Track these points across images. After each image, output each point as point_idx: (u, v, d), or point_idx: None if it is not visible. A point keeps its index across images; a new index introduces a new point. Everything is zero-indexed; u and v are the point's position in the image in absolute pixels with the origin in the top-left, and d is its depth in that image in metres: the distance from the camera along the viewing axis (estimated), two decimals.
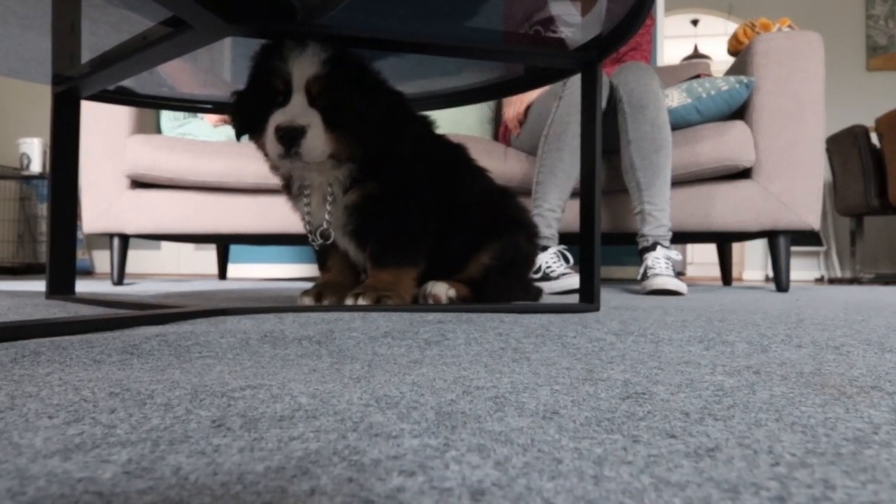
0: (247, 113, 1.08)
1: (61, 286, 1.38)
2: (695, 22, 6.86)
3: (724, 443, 0.33)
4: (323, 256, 1.22)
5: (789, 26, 2.32)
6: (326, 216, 1.11)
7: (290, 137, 0.99)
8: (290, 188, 1.16)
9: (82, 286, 1.92)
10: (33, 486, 0.26)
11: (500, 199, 1.30)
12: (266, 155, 1.08)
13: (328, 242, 1.13)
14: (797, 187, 2.12)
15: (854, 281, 4.50)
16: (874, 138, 4.10)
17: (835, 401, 0.44)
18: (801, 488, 0.27)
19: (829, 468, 0.30)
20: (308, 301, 1.14)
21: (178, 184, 2.33)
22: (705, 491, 0.26)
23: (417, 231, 1.14)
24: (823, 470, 0.29)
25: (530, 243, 1.33)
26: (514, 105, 2.30)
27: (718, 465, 0.30)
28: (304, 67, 1.01)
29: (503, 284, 1.23)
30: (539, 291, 1.41)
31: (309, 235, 1.15)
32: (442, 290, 1.16)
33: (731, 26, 6.09)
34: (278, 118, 1.00)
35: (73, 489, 0.26)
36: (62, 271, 1.39)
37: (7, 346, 0.63)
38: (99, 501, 0.25)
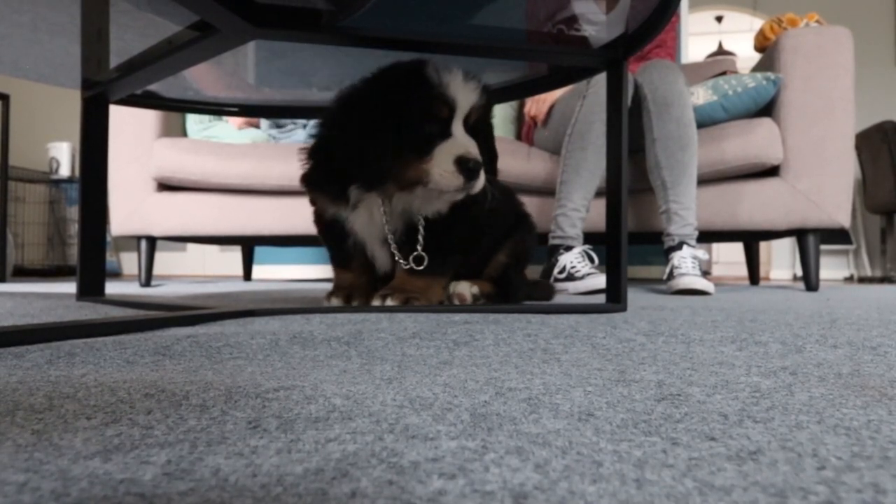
0: (400, 136, 1.01)
1: (91, 288, 1.40)
2: (719, 18, 6.79)
3: (766, 446, 0.33)
4: (344, 257, 1.21)
5: (817, 21, 2.28)
6: (386, 228, 1.10)
7: (475, 171, 0.98)
8: (330, 197, 1.13)
9: (111, 288, 1.95)
10: (76, 487, 0.26)
11: (511, 199, 1.34)
12: (396, 175, 1.03)
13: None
14: (826, 185, 2.09)
15: (885, 280, 4.41)
16: None
17: (876, 402, 0.43)
18: (850, 493, 0.26)
19: (877, 472, 0.29)
20: (337, 302, 1.14)
21: (204, 186, 2.35)
22: (752, 495, 0.26)
23: (474, 250, 1.19)
24: (872, 474, 0.29)
25: (531, 236, 1.37)
26: (537, 103, 2.29)
27: (763, 469, 0.29)
28: (467, 95, 1.01)
29: (515, 278, 1.29)
30: (550, 288, 1.47)
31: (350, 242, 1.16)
32: (465, 288, 1.19)
33: (757, 22, 6.02)
34: (457, 149, 0.98)
35: (116, 490, 0.26)
36: (92, 273, 1.41)
37: (42, 347, 0.64)
38: (141, 503, 0.25)
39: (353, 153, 1.02)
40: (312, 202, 1.19)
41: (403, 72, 1.02)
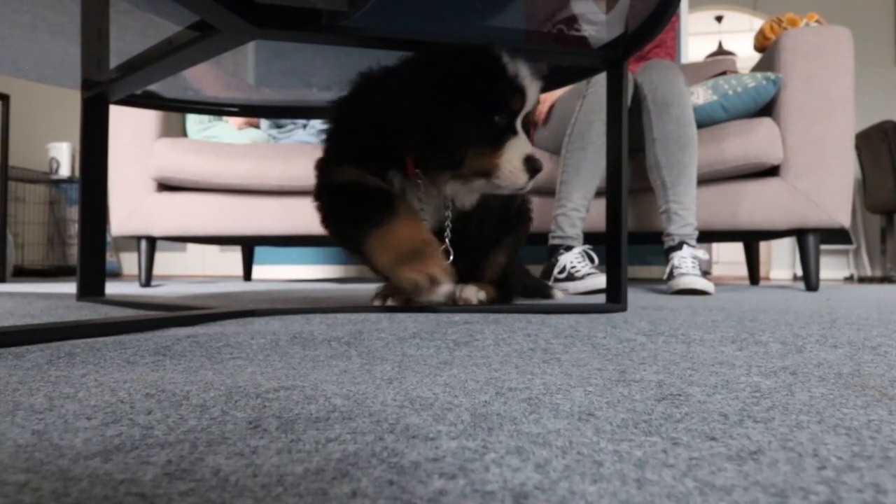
0: (476, 127, 0.97)
1: (92, 288, 1.40)
2: (719, 18, 6.79)
3: (766, 445, 0.33)
4: None
5: (817, 21, 2.28)
6: (448, 224, 1.07)
7: (537, 172, 0.98)
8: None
9: (111, 288, 1.95)
10: (77, 487, 0.26)
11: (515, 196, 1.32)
12: (466, 164, 0.98)
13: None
14: (826, 185, 2.09)
15: (885, 279, 4.41)
16: None
17: (877, 402, 0.43)
18: (850, 493, 0.26)
19: (878, 472, 0.29)
20: (379, 303, 1.13)
21: (204, 186, 2.36)
22: (752, 495, 0.26)
23: (485, 247, 1.20)
24: (873, 474, 0.29)
25: (527, 226, 1.35)
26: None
27: (763, 469, 0.29)
28: (534, 90, 0.99)
29: (513, 275, 1.29)
30: (545, 285, 1.46)
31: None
32: (472, 293, 1.18)
33: (757, 22, 6.02)
34: (525, 147, 0.98)
35: (116, 490, 0.26)
36: (92, 273, 1.41)
37: (42, 347, 0.64)
38: (142, 503, 0.25)
39: (423, 135, 0.96)
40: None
41: (481, 57, 0.98)
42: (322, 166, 1.11)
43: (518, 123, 0.99)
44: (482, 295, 1.19)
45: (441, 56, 1.00)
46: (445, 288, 0.91)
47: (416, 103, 0.96)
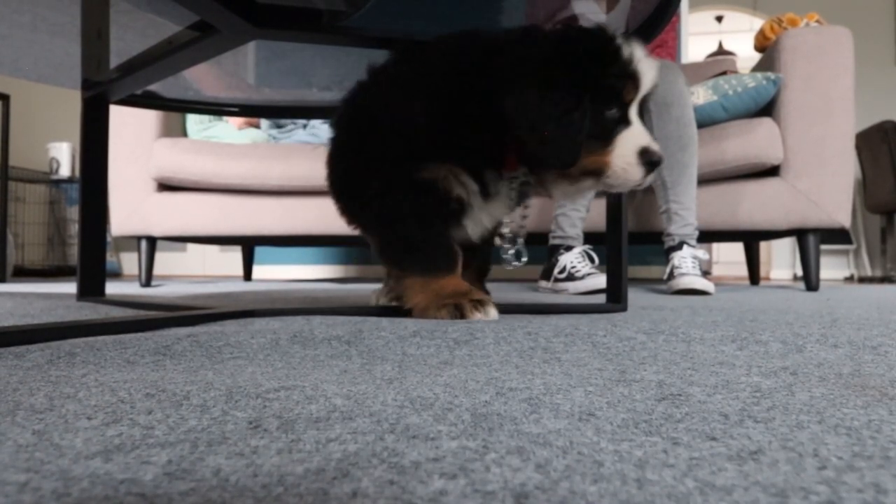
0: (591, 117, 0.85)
1: (92, 288, 1.40)
2: (719, 18, 6.78)
3: (766, 445, 0.33)
4: (451, 258, 0.98)
5: (817, 21, 2.28)
6: (520, 219, 1.01)
7: (656, 165, 0.87)
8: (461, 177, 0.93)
9: (111, 288, 1.95)
10: (77, 487, 0.26)
11: None
12: (548, 165, 0.88)
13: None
14: (826, 185, 2.09)
15: (885, 279, 4.41)
16: None
17: (877, 402, 0.43)
18: (851, 493, 0.26)
19: (878, 472, 0.29)
20: (376, 301, 1.11)
21: (204, 186, 2.36)
22: (752, 495, 0.26)
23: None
24: (873, 474, 0.28)
25: None
26: None
27: (763, 469, 0.29)
28: (650, 75, 0.88)
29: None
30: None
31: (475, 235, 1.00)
32: (495, 312, 0.94)
33: (757, 22, 6.02)
34: (640, 139, 0.87)
35: (117, 490, 0.26)
36: (92, 273, 1.41)
37: (42, 347, 0.64)
38: (142, 503, 0.25)
39: (544, 128, 0.84)
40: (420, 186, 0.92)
41: (594, 39, 0.87)
42: (392, 156, 0.93)
43: (632, 111, 0.89)
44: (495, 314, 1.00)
45: (555, 39, 0.88)
46: (494, 312, 0.90)
47: (537, 92, 0.84)
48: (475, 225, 0.98)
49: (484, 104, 0.87)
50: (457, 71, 0.91)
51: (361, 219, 1.04)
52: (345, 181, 1.05)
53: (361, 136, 0.99)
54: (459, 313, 0.89)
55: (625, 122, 0.88)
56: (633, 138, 0.87)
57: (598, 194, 1.95)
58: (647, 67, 0.87)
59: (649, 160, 0.86)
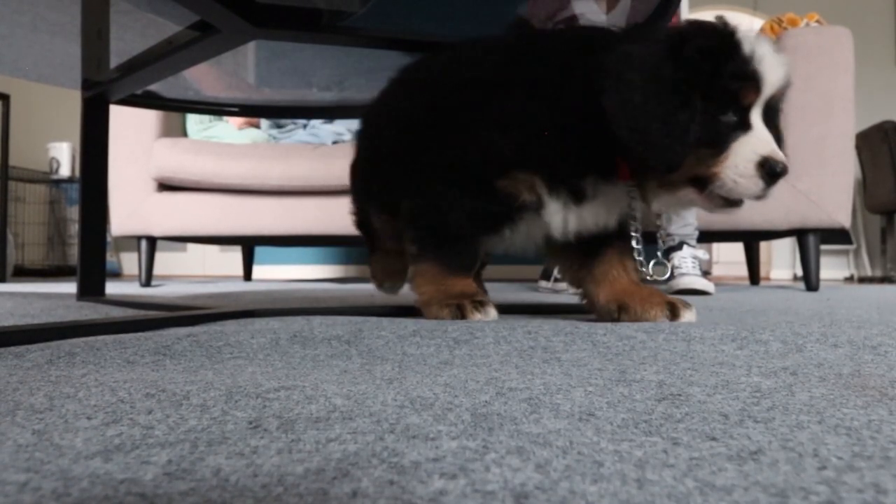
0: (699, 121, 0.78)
1: (92, 288, 1.40)
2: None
3: (766, 446, 0.33)
4: (472, 260, 0.97)
5: (817, 21, 2.28)
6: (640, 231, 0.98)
7: (780, 176, 0.78)
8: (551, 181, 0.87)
9: (111, 288, 1.95)
10: (77, 487, 0.26)
11: None
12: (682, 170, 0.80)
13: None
14: (826, 185, 2.08)
15: (885, 280, 4.41)
16: None
17: (877, 402, 0.43)
18: (851, 493, 0.26)
19: (878, 472, 0.29)
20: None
21: (204, 186, 2.36)
22: (752, 495, 0.26)
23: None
24: (873, 474, 0.28)
25: None
26: None
27: (763, 469, 0.29)
28: (777, 73, 0.79)
29: None
30: None
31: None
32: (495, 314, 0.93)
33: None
34: (761, 147, 0.78)
35: (117, 490, 0.26)
36: (93, 273, 1.41)
37: (42, 347, 0.64)
38: (142, 503, 0.25)
39: (632, 128, 0.77)
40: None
41: (712, 35, 0.81)
42: (471, 162, 0.88)
43: (754, 115, 0.80)
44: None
45: (668, 35, 0.82)
46: (493, 312, 0.89)
47: (640, 89, 0.77)
48: (562, 226, 0.90)
49: (586, 105, 0.81)
50: (560, 71, 0.85)
51: (407, 190, 0.96)
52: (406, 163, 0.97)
53: (430, 135, 0.93)
54: (460, 313, 0.88)
55: (744, 127, 0.79)
56: (750, 146, 0.78)
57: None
58: (771, 66, 0.79)
59: (772, 171, 0.77)
